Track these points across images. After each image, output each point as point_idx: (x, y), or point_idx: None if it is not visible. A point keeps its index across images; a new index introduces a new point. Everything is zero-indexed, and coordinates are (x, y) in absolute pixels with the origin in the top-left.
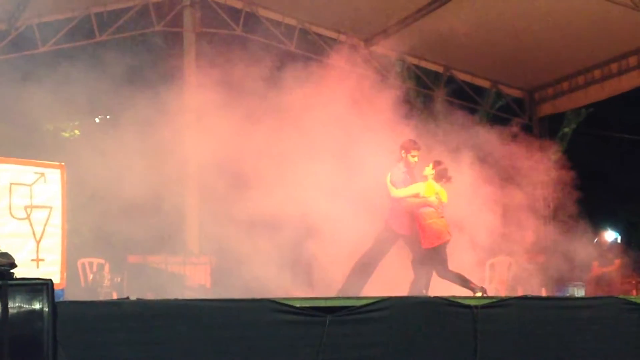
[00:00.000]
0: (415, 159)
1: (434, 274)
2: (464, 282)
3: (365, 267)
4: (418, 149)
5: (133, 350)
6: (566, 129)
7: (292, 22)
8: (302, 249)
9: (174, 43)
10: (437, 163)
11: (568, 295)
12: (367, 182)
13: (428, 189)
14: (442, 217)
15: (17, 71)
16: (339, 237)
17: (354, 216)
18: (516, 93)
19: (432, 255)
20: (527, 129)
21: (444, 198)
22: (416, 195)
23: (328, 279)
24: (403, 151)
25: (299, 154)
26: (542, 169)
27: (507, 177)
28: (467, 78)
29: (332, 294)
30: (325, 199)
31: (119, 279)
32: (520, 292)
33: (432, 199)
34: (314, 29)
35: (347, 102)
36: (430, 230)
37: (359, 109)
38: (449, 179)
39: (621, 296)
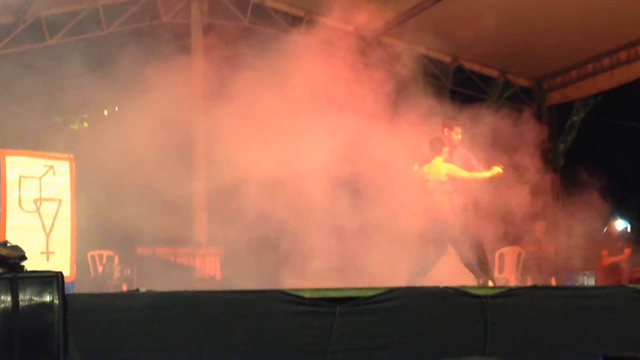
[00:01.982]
0: (459, 135)
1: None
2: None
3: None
4: (460, 125)
5: (143, 341)
6: (575, 118)
7: (300, 12)
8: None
9: (181, 35)
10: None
11: (578, 284)
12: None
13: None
14: None
15: (26, 64)
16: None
17: (369, 209)
18: (525, 82)
19: None
20: (535, 118)
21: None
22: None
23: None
24: (446, 129)
25: (310, 144)
26: (551, 157)
27: (516, 166)
28: (475, 67)
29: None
30: (336, 188)
31: (128, 271)
32: (529, 282)
33: None
34: (322, 20)
35: (356, 93)
36: None
37: (367, 99)
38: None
39: (631, 285)
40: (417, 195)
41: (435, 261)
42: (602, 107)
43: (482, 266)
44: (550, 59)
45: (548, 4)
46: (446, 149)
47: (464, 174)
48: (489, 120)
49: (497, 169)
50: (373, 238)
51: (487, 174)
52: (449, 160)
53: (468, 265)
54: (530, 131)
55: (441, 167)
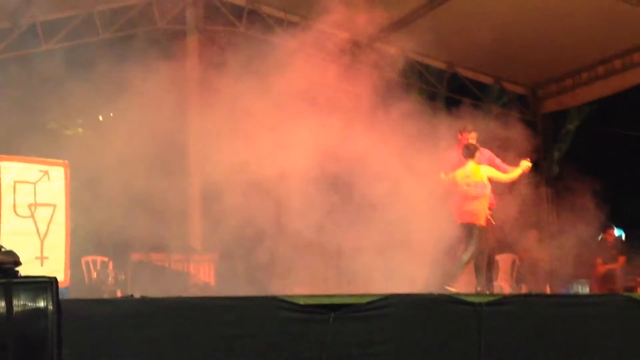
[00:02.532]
0: (474, 140)
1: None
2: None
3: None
4: (475, 130)
5: (137, 347)
6: (570, 126)
7: (295, 19)
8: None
9: (177, 41)
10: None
11: (572, 292)
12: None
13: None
14: None
15: (21, 69)
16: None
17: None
18: (520, 90)
19: None
20: (530, 125)
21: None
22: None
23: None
24: (463, 134)
25: (304, 150)
26: (546, 165)
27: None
28: (470, 75)
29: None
30: (332, 195)
31: (122, 277)
32: (524, 290)
33: None
34: (317, 25)
35: (352, 99)
36: None
37: (364, 105)
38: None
39: (625, 293)
40: (447, 200)
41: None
42: (597, 115)
43: (488, 275)
44: (545, 67)
45: (543, 12)
46: (478, 154)
47: (502, 176)
48: (484, 127)
49: (526, 164)
50: (372, 247)
51: (519, 170)
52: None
53: (478, 270)
54: (525, 138)
55: (482, 171)
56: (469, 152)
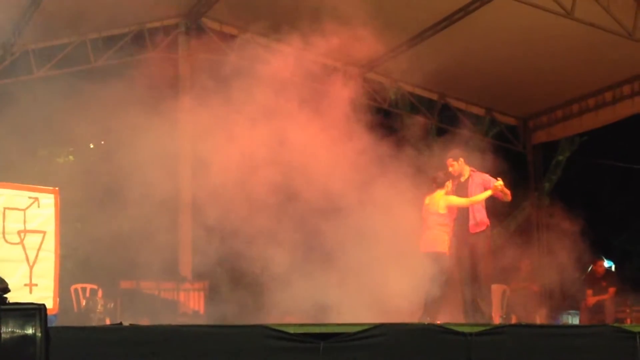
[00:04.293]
0: (454, 168)
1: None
2: None
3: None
4: (458, 158)
5: None
6: (560, 157)
7: (286, 48)
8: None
9: (169, 69)
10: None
11: (562, 323)
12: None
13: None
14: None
15: (13, 96)
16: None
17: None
18: (510, 120)
19: None
20: (521, 157)
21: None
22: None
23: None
24: (451, 161)
25: (297, 178)
26: (536, 196)
27: (501, 204)
28: (461, 105)
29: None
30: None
31: (112, 305)
32: (514, 320)
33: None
34: (309, 55)
35: (342, 128)
36: None
37: (352, 135)
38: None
39: (615, 324)
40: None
41: (436, 295)
42: (588, 147)
43: (473, 305)
44: (536, 98)
45: (534, 44)
46: (449, 183)
47: (462, 201)
48: (475, 157)
49: (498, 183)
50: (361, 275)
51: (487, 193)
52: (466, 187)
53: (463, 301)
54: (516, 170)
55: (440, 200)
56: (437, 181)
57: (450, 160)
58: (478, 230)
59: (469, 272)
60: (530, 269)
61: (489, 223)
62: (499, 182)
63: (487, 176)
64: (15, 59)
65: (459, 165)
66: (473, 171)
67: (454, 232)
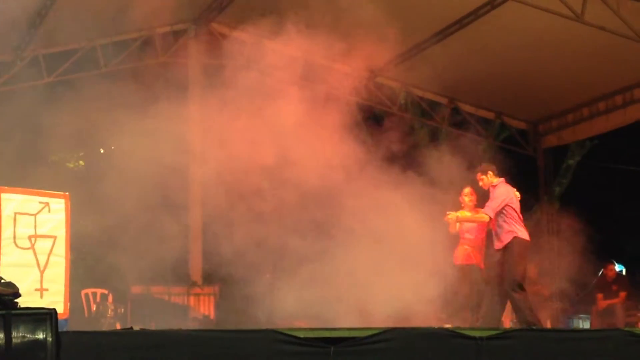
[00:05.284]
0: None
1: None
2: None
3: None
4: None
5: None
6: (570, 161)
7: (297, 53)
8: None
9: (179, 74)
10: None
11: (573, 327)
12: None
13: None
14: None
15: (23, 102)
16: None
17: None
18: (520, 125)
19: None
20: (531, 161)
21: None
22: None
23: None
24: (480, 175)
25: (304, 180)
26: (546, 200)
27: None
28: (471, 110)
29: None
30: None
31: (122, 310)
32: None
33: None
34: (319, 60)
35: (349, 132)
36: None
37: (361, 139)
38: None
39: (626, 328)
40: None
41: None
42: (598, 151)
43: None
44: (546, 102)
45: (544, 48)
46: (465, 197)
47: (468, 217)
48: (485, 161)
49: (451, 216)
50: (377, 281)
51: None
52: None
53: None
54: (526, 174)
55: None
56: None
57: (479, 175)
58: (501, 246)
59: (499, 286)
60: (540, 273)
61: (516, 234)
62: (451, 215)
63: (497, 192)
64: (25, 64)
65: (488, 178)
66: (503, 183)
67: (485, 246)
